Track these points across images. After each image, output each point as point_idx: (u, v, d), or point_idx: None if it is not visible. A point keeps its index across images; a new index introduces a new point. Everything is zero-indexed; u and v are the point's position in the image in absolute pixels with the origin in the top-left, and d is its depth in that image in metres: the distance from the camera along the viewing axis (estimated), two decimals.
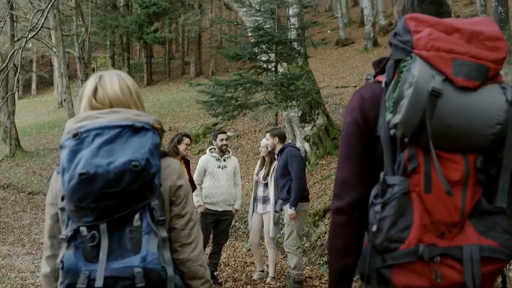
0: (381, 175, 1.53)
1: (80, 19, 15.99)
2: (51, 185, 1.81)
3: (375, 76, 1.71)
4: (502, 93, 1.48)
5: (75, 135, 1.63)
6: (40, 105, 36.02)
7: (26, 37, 8.67)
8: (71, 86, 32.02)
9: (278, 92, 7.31)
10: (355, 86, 15.31)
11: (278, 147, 5.94)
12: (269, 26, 7.81)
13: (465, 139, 1.46)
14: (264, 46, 7.40)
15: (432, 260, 1.47)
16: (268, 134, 6.09)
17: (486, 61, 1.48)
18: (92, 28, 29.01)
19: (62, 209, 1.67)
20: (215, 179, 6.27)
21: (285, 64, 8.66)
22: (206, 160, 6.37)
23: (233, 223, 8.82)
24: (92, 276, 1.55)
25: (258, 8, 7.97)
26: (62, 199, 1.67)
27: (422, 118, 1.42)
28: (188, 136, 6.05)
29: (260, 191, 6.24)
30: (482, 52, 1.48)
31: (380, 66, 1.69)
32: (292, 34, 8.72)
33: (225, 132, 6.65)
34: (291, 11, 9.30)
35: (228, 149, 6.52)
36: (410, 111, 1.43)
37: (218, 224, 6.34)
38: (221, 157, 6.34)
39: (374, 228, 1.50)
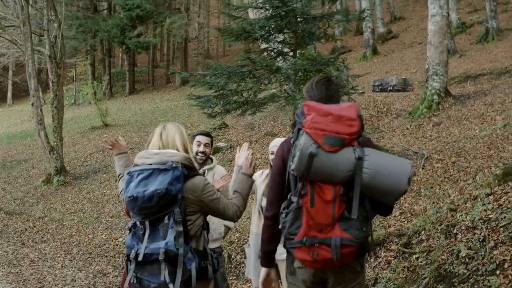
0: (289, 195, 2.79)
1: (52, 13, 14.01)
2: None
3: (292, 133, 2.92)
4: (353, 153, 2.66)
5: (128, 173, 2.98)
6: (15, 114, 33.94)
7: None
8: (46, 91, 30.22)
9: (300, 81, 5.40)
10: (362, 93, 13.59)
11: None
12: None
13: (332, 178, 2.65)
14: (280, 22, 5.46)
15: (313, 245, 2.68)
16: None
17: (344, 134, 2.66)
18: (71, 32, 27.11)
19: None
20: None
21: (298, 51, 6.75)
22: None
23: (233, 256, 6.90)
24: (139, 252, 2.86)
25: None
26: None
27: (305, 168, 2.64)
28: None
29: None
30: (343, 129, 2.67)
31: (294, 128, 2.85)
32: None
33: (208, 135, 4.65)
34: None
35: (211, 156, 4.67)
36: (298, 164, 2.64)
37: None
38: (199, 169, 4.38)
39: (281, 226, 2.78)
